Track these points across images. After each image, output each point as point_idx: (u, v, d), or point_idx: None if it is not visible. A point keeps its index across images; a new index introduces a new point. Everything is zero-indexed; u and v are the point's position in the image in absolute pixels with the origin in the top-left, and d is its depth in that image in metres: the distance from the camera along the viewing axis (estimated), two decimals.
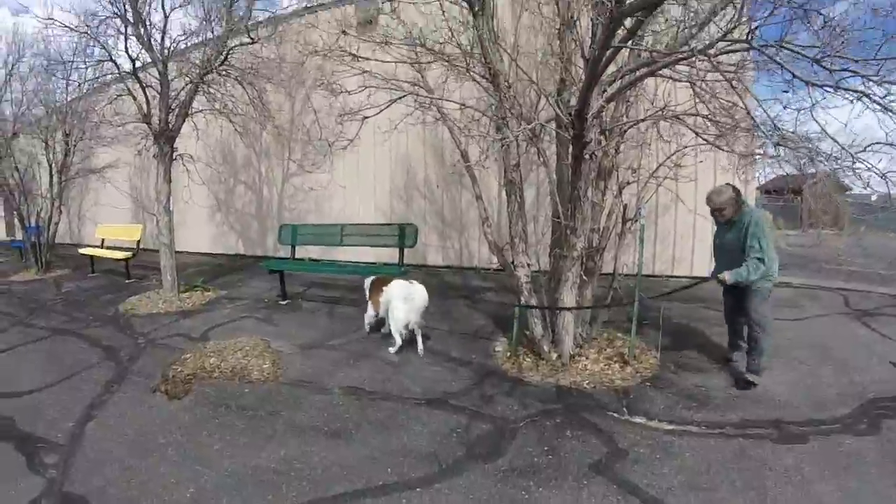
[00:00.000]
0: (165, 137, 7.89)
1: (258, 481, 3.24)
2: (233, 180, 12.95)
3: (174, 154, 8.12)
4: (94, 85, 9.92)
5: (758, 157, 4.61)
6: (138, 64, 7.70)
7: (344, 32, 5.11)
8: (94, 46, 8.34)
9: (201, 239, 13.71)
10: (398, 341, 5.38)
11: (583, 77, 3.81)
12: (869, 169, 3.44)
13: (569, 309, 4.73)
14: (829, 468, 3.10)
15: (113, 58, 7.94)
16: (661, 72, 3.88)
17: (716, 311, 5.52)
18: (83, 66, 9.63)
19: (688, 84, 4.38)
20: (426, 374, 4.86)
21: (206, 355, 5.35)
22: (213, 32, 7.60)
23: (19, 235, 14.41)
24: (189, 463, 3.46)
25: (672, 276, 8.37)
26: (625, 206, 4.88)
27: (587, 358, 4.87)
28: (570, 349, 4.84)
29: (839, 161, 3.56)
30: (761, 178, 5.03)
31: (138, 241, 10.58)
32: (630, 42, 3.55)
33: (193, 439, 3.78)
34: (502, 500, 2.99)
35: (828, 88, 3.20)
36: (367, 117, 5.32)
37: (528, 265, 5.04)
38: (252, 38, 7.52)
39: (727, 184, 4.37)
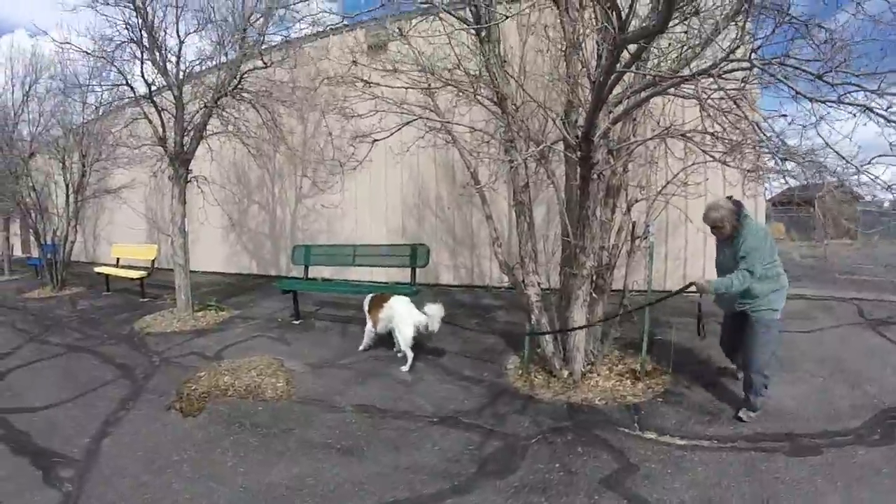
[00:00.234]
0: (180, 160, 8.03)
1: (271, 498, 3.27)
2: (246, 201, 13.09)
3: (189, 176, 8.27)
4: (111, 107, 10.14)
5: (765, 172, 4.61)
6: (154, 88, 7.88)
7: (354, 63, 5.22)
8: (110, 70, 8.53)
9: (215, 259, 13.83)
10: (409, 355, 5.45)
11: (589, 98, 3.88)
12: (874, 179, 3.45)
13: (571, 329, 4.73)
14: (842, 480, 3.09)
15: (129, 82, 8.13)
16: (667, 91, 3.93)
17: None
18: (99, 90, 9.90)
19: (694, 101, 4.42)
20: (438, 392, 4.88)
21: (220, 374, 5.41)
22: (226, 56, 7.78)
23: (35, 253, 14.66)
24: (203, 479, 3.50)
25: (689, 293, 8.31)
26: (633, 224, 4.90)
27: (599, 374, 4.87)
28: (581, 366, 4.84)
29: (845, 173, 3.58)
30: (768, 192, 5.02)
31: (153, 261, 10.73)
32: (634, 66, 3.60)
33: (207, 456, 3.82)
34: None
35: (831, 103, 3.24)
36: (377, 140, 5.43)
37: (539, 284, 5.07)
38: (265, 63, 7.68)
39: (728, 197, 4.08)
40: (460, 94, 5.04)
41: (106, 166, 12.41)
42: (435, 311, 5.46)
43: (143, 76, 7.75)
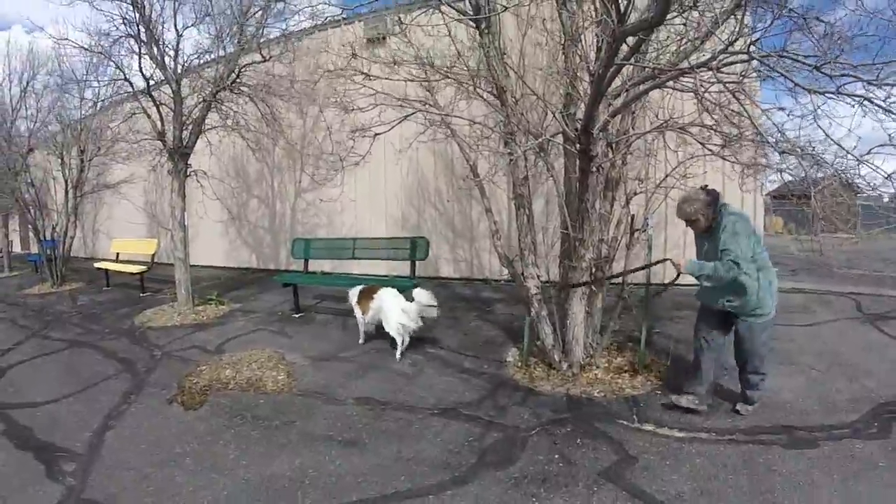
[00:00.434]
0: (179, 154, 8.02)
1: (273, 489, 3.29)
2: (245, 195, 13.10)
3: (188, 170, 8.26)
4: (109, 102, 10.11)
5: (763, 165, 4.62)
6: (152, 82, 7.85)
7: (354, 56, 5.21)
8: (107, 65, 8.50)
9: (215, 253, 13.84)
10: (399, 341, 5.57)
11: (588, 91, 3.88)
12: (875, 170, 3.45)
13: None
14: (839, 473, 3.11)
15: (127, 76, 8.11)
16: (665, 84, 3.92)
17: None
18: (97, 85, 9.88)
19: (693, 94, 4.42)
20: (438, 384, 4.91)
21: (221, 367, 5.44)
22: (225, 50, 7.76)
23: (34, 249, 14.66)
24: (205, 471, 3.53)
25: (683, 286, 8.34)
26: (632, 217, 4.92)
27: (598, 367, 4.90)
28: (580, 359, 4.87)
29: (844, 165, 3.57)
30: (767, 185, 5.02)
31: (153, 256, 10.72)
32: (633, 58, 3.60)
33: (209, 448, 3.85)
34: None
35: (829, 95, 3.24)
36: (378, 134, 5.43)
37: (538, 276, 5.09)
38: (263, 56, 7.66)
39: (702, 186, 3.88)
40: (460, 86, 5.04)
41: (105, 161, 12.41)
42: (423, 296, 5.53)
43: (140, 71, 7.72)
